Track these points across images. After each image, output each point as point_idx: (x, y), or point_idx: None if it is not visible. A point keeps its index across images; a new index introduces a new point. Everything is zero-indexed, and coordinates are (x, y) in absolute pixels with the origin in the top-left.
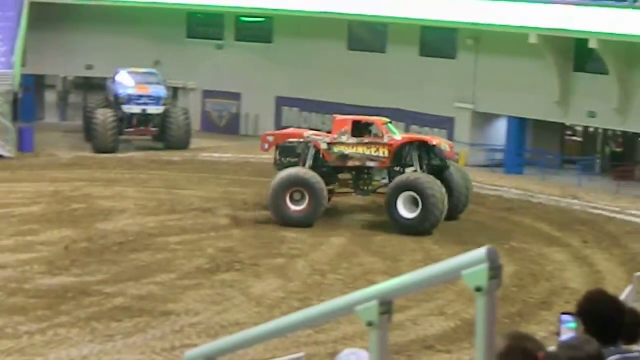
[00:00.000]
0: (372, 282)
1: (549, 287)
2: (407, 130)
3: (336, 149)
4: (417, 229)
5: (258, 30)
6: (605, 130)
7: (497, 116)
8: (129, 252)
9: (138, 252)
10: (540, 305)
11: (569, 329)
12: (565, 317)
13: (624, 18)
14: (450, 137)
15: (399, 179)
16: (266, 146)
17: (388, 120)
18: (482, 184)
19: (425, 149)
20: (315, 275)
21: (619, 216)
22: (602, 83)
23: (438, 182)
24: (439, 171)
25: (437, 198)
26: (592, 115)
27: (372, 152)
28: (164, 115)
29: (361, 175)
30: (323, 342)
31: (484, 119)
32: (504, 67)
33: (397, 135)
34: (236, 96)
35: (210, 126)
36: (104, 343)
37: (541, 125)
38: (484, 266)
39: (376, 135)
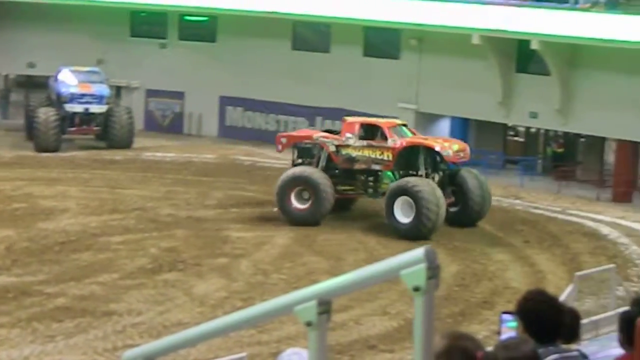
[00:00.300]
0: (315, 282)
1: (491, 287)
2: None
3: (343, 152)
4: (413, 234)
5: (202, 29)
6: (547, 131)
7: (440, 116)
8: (71, 251)
9: (80, 252)
10: (482, 305)
11: (510, 328)
12: (506, 316)
13: (565, 19)
14: None
15: (396, 183)
16: (280, 147)
17: (401, 122)
18: None
19: (432, 152)
20: (258, 274)
21: (560, 216)
22: (544, 84)
23: (434, 186)
24: (450, 175)
25: (430, 202)
26: (533, 115)
27: (377, 155)
28: (107, 114)
29: (374, 177)
30: (266, 342)
31: (427, 119)
32: (447, 68)
33: (406, 138)
34: (179, 95)
35: (153, 125)
36: (45, 343)
37: (484, 126)
38: (422, 266)
39: (383, 138)
